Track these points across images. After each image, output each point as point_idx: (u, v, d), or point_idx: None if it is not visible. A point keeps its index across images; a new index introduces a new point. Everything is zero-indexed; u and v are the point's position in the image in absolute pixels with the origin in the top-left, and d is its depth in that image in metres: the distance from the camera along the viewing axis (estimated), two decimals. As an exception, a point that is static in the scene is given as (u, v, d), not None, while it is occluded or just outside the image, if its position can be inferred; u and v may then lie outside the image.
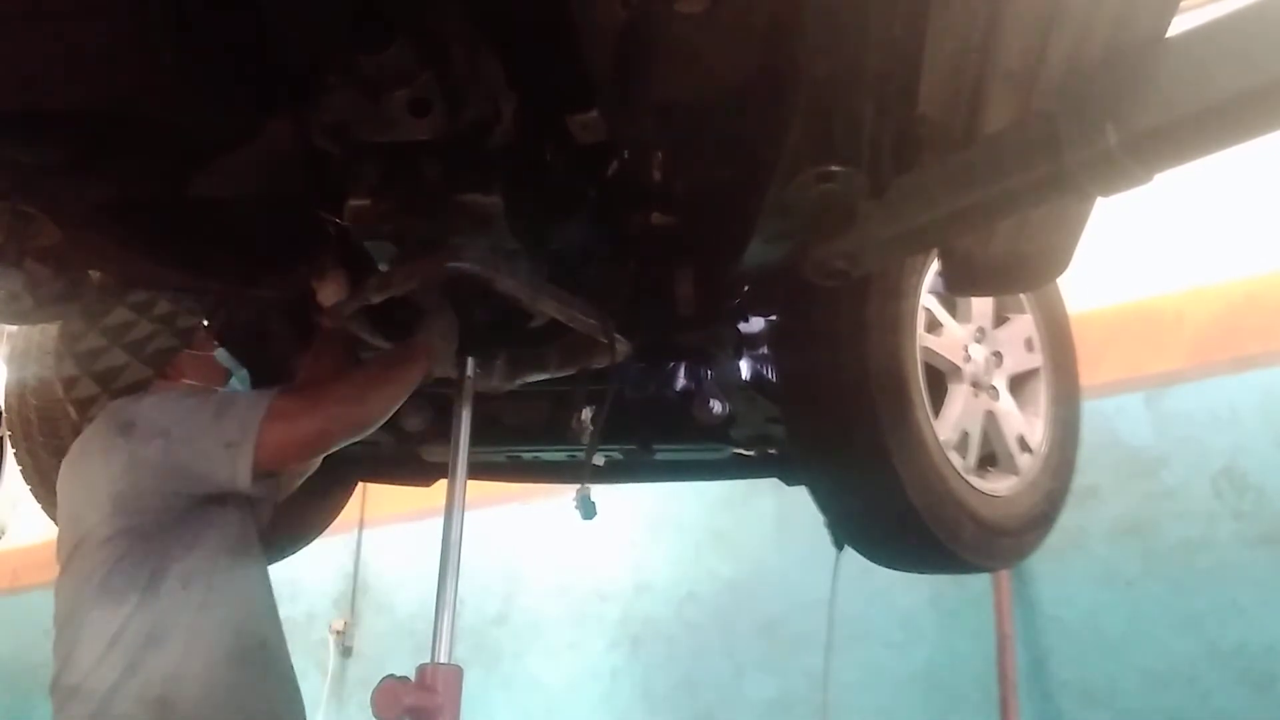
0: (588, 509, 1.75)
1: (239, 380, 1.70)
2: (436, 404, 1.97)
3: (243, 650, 1.51)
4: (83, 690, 1.42)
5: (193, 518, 1.51)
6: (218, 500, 1.53)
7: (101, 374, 1.60)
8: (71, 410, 1.63)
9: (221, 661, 1.47)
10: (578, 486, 1.77)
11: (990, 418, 2.15)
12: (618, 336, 1.74)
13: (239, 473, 1.49)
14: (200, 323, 1.68)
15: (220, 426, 1.50)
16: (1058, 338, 2.39)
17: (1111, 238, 3.39)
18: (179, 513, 1.50)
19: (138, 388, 1.60)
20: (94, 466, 1.51)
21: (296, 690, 1.64)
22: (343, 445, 1.64)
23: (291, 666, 1.66)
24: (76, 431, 1.61)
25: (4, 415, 2.26)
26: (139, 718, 1.40)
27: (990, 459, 2.18)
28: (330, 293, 1.82)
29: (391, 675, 1.46)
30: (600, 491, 1.78)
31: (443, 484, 1.74)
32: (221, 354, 1.69)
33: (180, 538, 1.49)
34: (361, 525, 5.06)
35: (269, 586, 1.66)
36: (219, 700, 1.45)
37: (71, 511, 1.54)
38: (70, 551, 1.51)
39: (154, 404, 1.54)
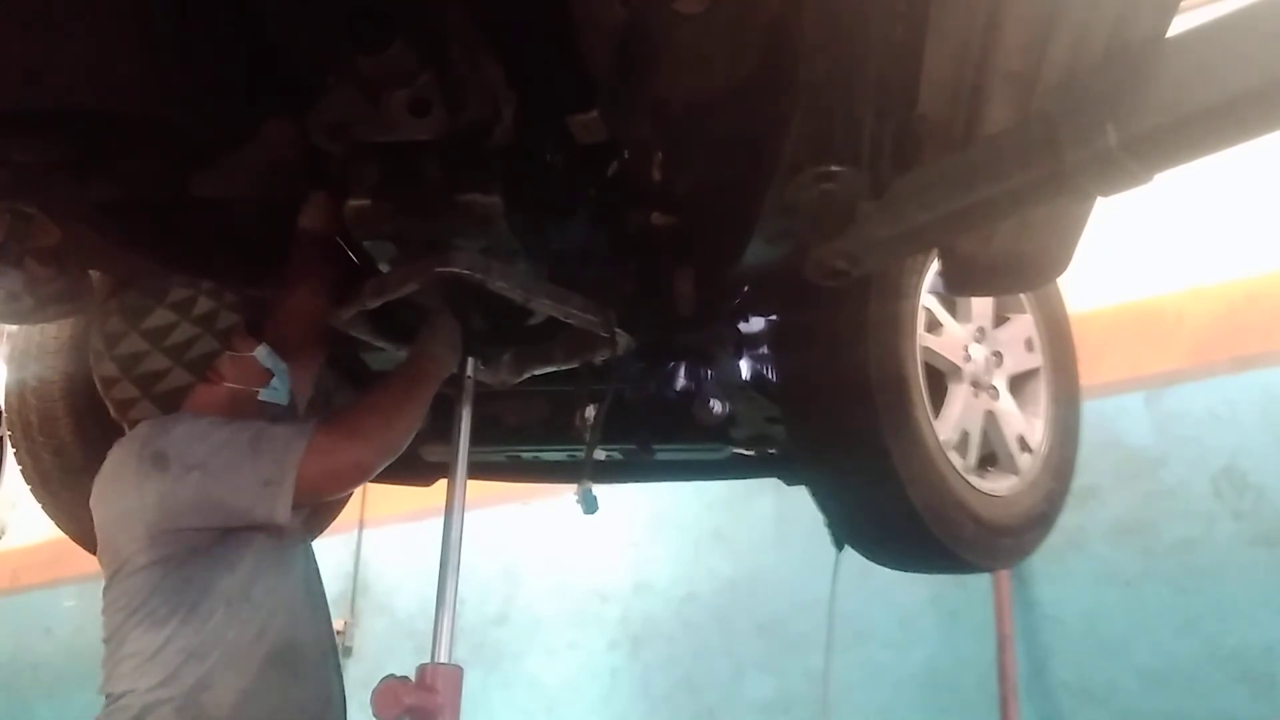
0: (590, 503, 1.75)
1: (279, 378, 1.68)
2: (436, 404, 1.97)
3: (269, 654, 1.52)
4: (124, 700, 1.46)
5: (230, 540, 1.52)
6: (252, 526, 1.55)
7: (142, 378, 1.58)
8: (111, 409, 1.63)
9: (250, 668, 1.49)
10: (578, 483, 1.77)
11: (990, 418, 2.15)
12: (618, 330, 1.74)
13: (277, 510, 1.50)
14: (240, 321, 1.66)
15: (257, 463, 1.50)
16: (1058, 338, 2.39)
17: (1111, 238, 3.38)
18: (215, 539, 1.51)
19: (179, 394, 1.60)
20: (128, 495, 1.52)
21: (331, 688, 1.66)
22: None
23: (333, 665, 1.68)
24: (93, 433, 1.57)
25: (4, 415, 2.26)
26: None
27: (990, 459, 2.18)
28: (313, 215, 1.80)
29: (391, 675, 1.46)
30: (600, 490, 1.79)
31: (443, 484, 1.74)
32: (261, 352, 1.67)
33: (220, 561, 1.51)
34: (361, 525, 5.06)
35: (309, 587, 1.66)
36: (243, 704, 1.47)
37: (107, 536, 1.56)
38: (111, 574, 1.55)
39: (186, 435, 1.53)
